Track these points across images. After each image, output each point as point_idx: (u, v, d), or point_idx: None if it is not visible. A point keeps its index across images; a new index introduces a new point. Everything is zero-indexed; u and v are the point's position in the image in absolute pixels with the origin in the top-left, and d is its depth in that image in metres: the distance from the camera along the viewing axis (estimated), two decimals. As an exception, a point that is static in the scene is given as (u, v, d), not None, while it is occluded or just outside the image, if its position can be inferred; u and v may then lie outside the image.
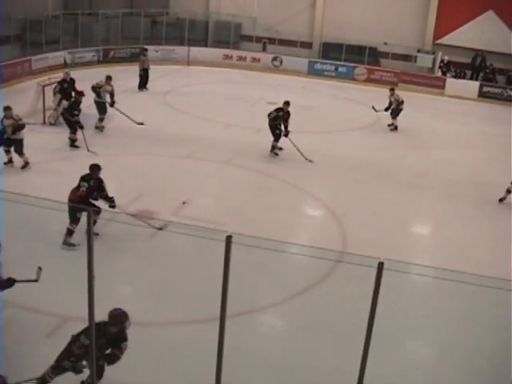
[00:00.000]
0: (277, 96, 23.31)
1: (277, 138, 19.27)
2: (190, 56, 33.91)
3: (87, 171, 12.79)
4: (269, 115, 19.17)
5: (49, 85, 21.47)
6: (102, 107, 20.65)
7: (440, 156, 21.22)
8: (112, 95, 20.73)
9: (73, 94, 20.58)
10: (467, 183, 18.63)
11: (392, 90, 23.68)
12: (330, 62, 33.81)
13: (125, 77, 28.24)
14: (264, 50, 35.64)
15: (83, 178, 12.57)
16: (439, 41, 33.56)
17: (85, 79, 23.00)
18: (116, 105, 20.65)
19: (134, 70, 27.98)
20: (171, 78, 29.10)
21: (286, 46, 35.24)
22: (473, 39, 32.46)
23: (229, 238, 6.25)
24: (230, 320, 7.00)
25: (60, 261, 12.07)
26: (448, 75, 32.52)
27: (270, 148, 19.33)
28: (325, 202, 16.38)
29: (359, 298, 8.11)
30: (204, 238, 7.57)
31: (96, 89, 20.62)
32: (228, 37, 35.55)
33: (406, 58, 33.84)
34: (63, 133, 19.65)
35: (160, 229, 12.80)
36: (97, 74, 25.47)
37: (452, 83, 31.97)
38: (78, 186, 12.48)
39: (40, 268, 9.03)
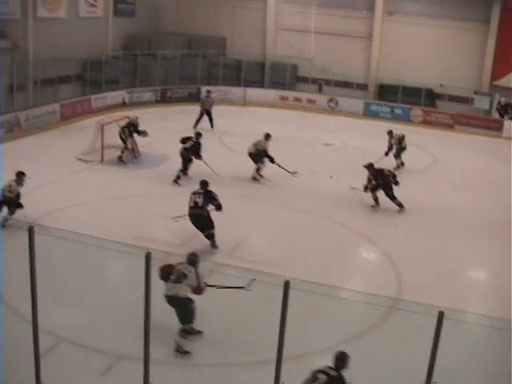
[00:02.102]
0: (332, 137, 23.34)
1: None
2: (246, 97, 34.27)
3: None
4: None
5: (108, 124, 21.81)
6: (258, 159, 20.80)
7: (496, 199, 20.78)
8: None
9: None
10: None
11: (390, 132, 23.29)
12: (385, 103, 33.65)
13: (182, 117, 28.64)
14: (320, 91, 35.69)
15: (198, 191, 14.90)
16: (496, 82, 33.13)
17: (143, 119, 23.32)
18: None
19: (191, 110, 28.31)
20: (227, 118, 29.28)
21: (342, 87, 35.22)
22: (531, 82, 32.06)
23: (287, 284, 6.20)
24: (284, 363, 6.91)
25: (112, 297, 12.16)
26: (505, 117, 32.07)
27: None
28: (381, 245, 16.19)
29: (414, 346, 7.95)
30: (262, 281, 7.52)
31: (259, 150, 20.70)
32: (284, 78, 35.69)
33: (462, 99, 33.43)
34: (120, 171, 20.04)
35: None
36: (155, 114, 25.92)
37: (510, 125, 31.44)
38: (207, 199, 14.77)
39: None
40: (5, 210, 15.35)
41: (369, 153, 20.27)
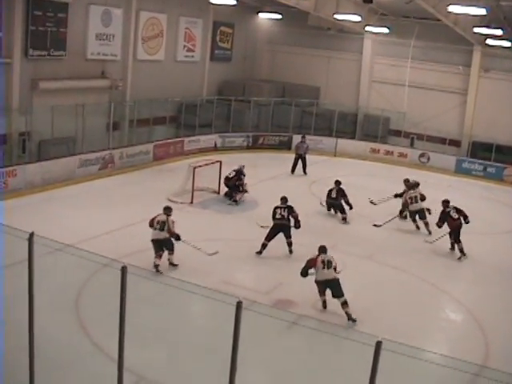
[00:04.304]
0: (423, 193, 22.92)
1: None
2: (337, 147, 34.24)
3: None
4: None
5: (199, 166, 22.15)
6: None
7: None
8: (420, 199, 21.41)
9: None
10: None
11: (406, 180, 23.01)
12: (478, 161, 32.98)
13: (273, 164, 28.92)
14: (412, 145, 35.40)
15: (281, 206, 17.83)
16: None
17: (233, 164, 23.59)
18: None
19: (282, 157, 28.51)
20: (317, 168, 29.29)
21: (434, 142, 34.81)
22: None
23: (379, 344, 6.06)
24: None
25: (195, 341, 12.16)
26: None
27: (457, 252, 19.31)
28: (468, 306, 15.75)
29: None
30: (347, 339, 7.39)
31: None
32: (376, 130, 35.58)
33: (558, 160, 32.59)
34: (209, 214, 20.25)
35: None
36: (245, 160, 26.11)
37: None
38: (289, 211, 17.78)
39: None
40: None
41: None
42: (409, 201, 21.21)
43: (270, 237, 17.58)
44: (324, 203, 22.45)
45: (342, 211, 21.69)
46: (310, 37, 37.83)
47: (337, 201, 21.81)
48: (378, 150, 34.70)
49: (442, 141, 34.93)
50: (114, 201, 21.40)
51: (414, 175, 29.95)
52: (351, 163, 32.57)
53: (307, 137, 30.26)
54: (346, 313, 13.69)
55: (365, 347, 6.50)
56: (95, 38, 26.27)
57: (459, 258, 19.01)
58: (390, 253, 18.97)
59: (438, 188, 26.19)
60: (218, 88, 36.01)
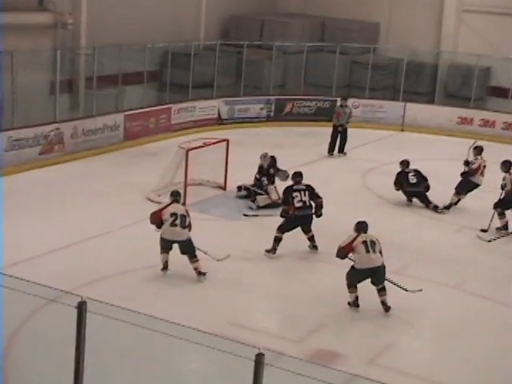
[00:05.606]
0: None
1: None
2: (405, 116, 34.24)
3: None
4: None
5: (195, 149, 22.09)
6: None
7: None
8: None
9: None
10: None
11: (478, 149, 23.69)
12: None
13: (307, 143, 28.90)
14: (526, 111, 35.05)
15: (299, 187, 18.49)
16: None
17: (247, 143, 23.53)
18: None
19: (320, 132, 28.43)
20: (376, 148, 29.26)
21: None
22: None
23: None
24: None
25: None
26: None
27: None
28: None
29: None
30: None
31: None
32: (468, 89, 35.13)
33: None
34: (210, 220, 20.36)
35: None
36: (265, 137, 26.14)
37: None
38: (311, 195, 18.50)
39: None
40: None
41: None
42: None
43: (286, 229, 18.39)
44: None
45: (428, 200, 22.85)
46: None
47: (419, 187, 22.83)
48: (471, 120, 34.46)
49: None
50: (63, 202, 21.33)
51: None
52: (428, 141, 32.53)
53: (360, 101, 30.24)
54: (383, 302, 15.43)
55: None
56: None
57: None
58: (489, 278, 18.79)
59: None
60: (221, 28, 36.13)
